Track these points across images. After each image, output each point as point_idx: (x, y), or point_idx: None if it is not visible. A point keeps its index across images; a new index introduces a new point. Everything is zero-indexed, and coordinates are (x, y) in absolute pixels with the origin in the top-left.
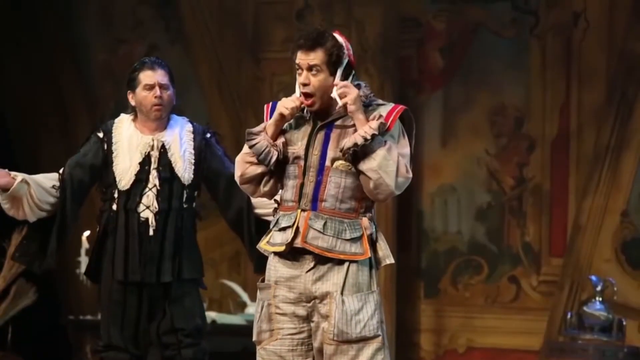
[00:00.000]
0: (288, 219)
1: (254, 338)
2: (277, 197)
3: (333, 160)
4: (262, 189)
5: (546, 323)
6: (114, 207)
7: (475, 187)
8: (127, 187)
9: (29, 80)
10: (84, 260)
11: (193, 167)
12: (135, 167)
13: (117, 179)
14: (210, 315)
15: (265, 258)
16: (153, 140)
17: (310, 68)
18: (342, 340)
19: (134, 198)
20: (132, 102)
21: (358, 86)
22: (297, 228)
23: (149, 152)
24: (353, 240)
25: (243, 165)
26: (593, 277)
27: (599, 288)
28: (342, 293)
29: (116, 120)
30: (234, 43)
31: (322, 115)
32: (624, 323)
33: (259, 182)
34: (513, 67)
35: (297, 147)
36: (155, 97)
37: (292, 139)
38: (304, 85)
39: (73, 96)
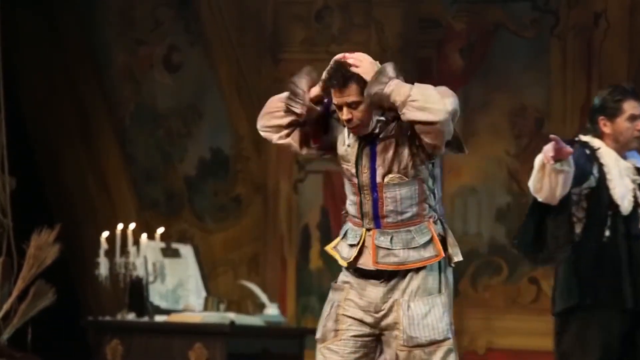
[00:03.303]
0: (354, 236)
1: (317, 336)
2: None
3: (383, 176)
4: (282, 135)
5: None
6: (607, 232)
7: (496, 188)
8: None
9: (49, 83)
10: (103, 262)
11: None
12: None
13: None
14: (229, 316)
15: None
16: (632, 165)
17: (349, 105)
18: (412, 346)
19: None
20: (606, 129)
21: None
22: (362, 247)
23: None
24: (424, 245)
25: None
26: None
27: None
28: (408, 298)
29: (594, 141)
30: (253, 44)
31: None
32: None
33: (278, 131)
34: (533, 68)
35: (351, 165)
36: (637, 129)
37: (346, 155)
38: (349, 121)
39: (93, 98)
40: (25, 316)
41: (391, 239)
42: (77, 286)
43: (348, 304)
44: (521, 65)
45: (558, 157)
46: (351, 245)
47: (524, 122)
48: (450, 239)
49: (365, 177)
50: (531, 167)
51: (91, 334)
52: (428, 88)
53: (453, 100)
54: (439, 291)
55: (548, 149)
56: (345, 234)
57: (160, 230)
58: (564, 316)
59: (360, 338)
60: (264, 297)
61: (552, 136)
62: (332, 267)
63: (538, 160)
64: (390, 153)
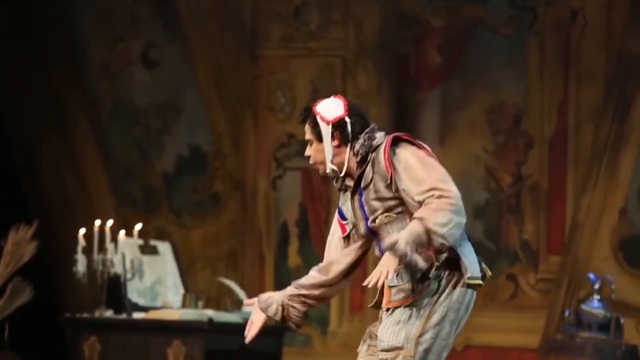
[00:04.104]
0: None
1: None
2: None
3: (374, 220)
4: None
5: (544, 321)
6: None
7: (473, 185)
8: None
9: (26, 79)
10: (80, 258)
11: None
12: None
13: None
14: (208, 313)
15: None
16: None
17: (307, 142)
18: (379, 349)
19: None
20: None
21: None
22: (383, 289)
23: None
24: (424, 274)
25: None
26: (591, 275)
27: (596, 286)
28: (396, 308)
29: None
30: (231, 41)
31: (348, 182)
32: (622, 321)
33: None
34: (511, 65)
35: (357, 226)
36: None
37: (348, 216)
38: (308, 157)
39: (70, 95)
40: (2, 313)
41: (398, 274)
42: (54, 283)
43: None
44: (499, 62)
45: None
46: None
47: (502, 119)
48: (465, 258)
49: (362, 227)
50: (509, 164)
51: (69, 331)
52: (436, 210)
53: (453, 207)
54: (423, 306)
55: None
56: None
57: (138, 226)
58: None
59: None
60: (242, 294)
61: None
62: (310, 264)
63: None
64: (373, 198)
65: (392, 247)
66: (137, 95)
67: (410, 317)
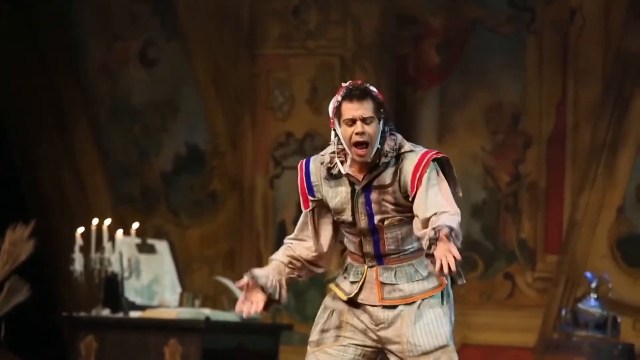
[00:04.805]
0: (355, 273)
1: (312, 339)
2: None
3: (383, 220)
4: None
5: (541, 320)
6: None
7: (471, 183)
8: None
9: (25, 78)
10: (77, 257)
11: None
12: None
13: None
14: (204, 312)
15: None
16: None
17: (364, 119)
18: (419, 354)
19: None
20: None
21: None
22: (364, 283)
23: None
24: (427, 277)
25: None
26: (588, 274)
27: (593, 285)
28: (414, 313)
29: None
30: (230, 39)
31: (354, 173)
32: (619, 320)
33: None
34: (509, 64)
35: (345, 215)
36: None
37: (334, 205)
38: (360, 134)
39: (69, 93)
40: None
41: (395, 273)
42: (51, 282)
43: (352, 313)
44: (497, 62)
45: None
46: (352, 282)
47: (500, 118)
48: None
49: (363, 223)
50: (507, 163)
51: (66, 329)
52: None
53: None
54: (441, 304)
55: None
56: (346, 269)
57: (135, 225)
58: None
59: (362, 347)
60: (239, 293)
61: None
62: None
63: None
64: (387, 201)
65: (446, 232)
66: (136, 94)
67: (437, 316)
